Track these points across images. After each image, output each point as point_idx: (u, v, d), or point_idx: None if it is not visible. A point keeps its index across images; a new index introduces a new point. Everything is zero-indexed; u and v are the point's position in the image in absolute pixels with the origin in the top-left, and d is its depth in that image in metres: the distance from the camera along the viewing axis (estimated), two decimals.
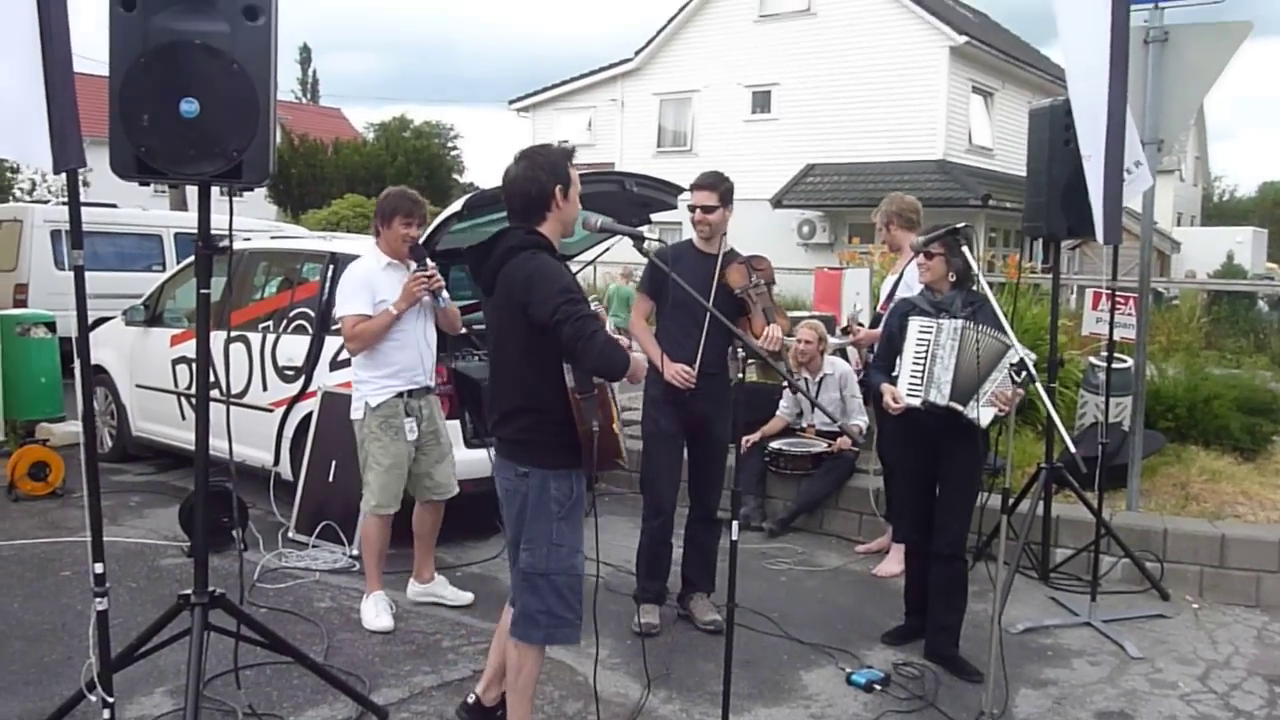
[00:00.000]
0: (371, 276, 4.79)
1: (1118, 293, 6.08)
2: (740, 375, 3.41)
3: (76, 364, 3.05)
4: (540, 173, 3.23)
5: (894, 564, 5.62)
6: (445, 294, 4.85)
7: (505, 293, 3.20)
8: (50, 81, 2.64)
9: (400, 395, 4.81)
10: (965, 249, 4.12)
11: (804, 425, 6.96)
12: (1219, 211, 49.31)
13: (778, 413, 7.02)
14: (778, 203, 23.43)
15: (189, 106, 2.92)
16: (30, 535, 5.95)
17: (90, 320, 9.35)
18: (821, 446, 6.65)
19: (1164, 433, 6.83)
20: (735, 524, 3.33)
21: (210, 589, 3.41)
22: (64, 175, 2.94)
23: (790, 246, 22.77)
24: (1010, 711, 4.08)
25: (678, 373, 4.58)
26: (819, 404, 6.05)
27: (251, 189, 3.10)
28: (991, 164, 23.79)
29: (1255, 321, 14.12)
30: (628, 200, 5.97)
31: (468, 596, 5.05)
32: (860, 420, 6.59)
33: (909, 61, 22.40)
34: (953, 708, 4.09)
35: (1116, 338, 6.16)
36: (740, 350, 3.31)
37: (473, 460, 5.50)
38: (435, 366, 5.07)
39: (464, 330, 5.42)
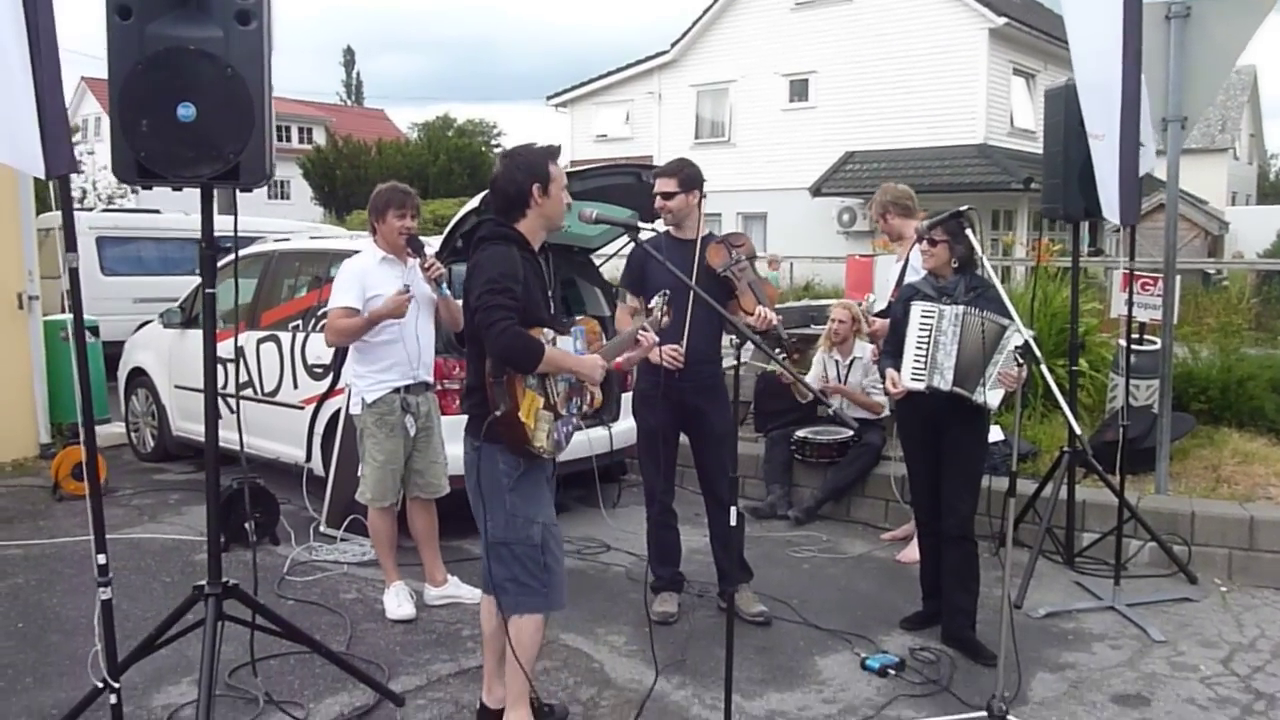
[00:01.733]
0: (366, 271, 4.82)
1: (1146, 274, 6.01)
2: (737, 363, 3.43)
3: (73, 363, 3.16)
4: (517, 173, 3.39)
5: (918, 550, 5.59)
6: (446, 286, 4.82)
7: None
8: (40, 88, 2.72)
9: (397, 391, 4.84)
10: (969, 232, 4.11)
11: (830, 410, 6.92)
12: (1275, 190, 47.98)
13: (812, 375, 6.85)
14: (817, 191, 23.28)
15: (186, 111, 3.01)
16: (72, 533, 6.12)
17: (138, 324, 9.51)
18: (847, 434, 6.63)
19: (1197, 415, 6.72)
20: (734, 510, 3.35)
21: (224, 580, 3.50)
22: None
23: (830, 235, 22.64)
24: (1025, 695, 4.06)
25: (666, 352, 4.46)
26: (812, 388, 5.95)
27: (250, 189, 3.18)
28: (1034, 147, 23.33)
29: None
30: (645, 190, 5.98)
31: None
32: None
33: (947, 45, 22.15)
34: (966, 691, 4.07)
35: (1145, 319, 6.08)
36: (734, 337, 3.33)
37: None
38: (436, 361, 5.09)
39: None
